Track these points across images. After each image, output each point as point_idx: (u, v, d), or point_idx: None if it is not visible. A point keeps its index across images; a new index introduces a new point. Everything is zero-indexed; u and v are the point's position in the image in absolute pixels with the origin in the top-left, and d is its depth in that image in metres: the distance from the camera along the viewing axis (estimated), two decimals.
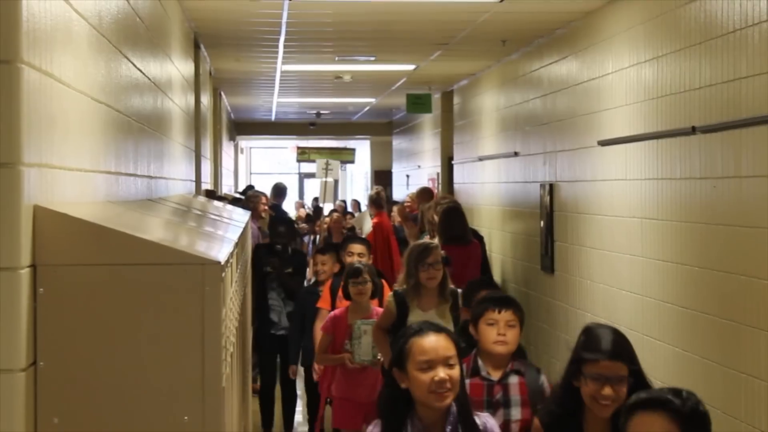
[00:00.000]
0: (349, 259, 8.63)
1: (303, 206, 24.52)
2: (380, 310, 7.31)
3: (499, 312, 5.18)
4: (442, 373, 3.83)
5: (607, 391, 4.07)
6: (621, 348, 4.17)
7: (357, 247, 8.90)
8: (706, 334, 6.45)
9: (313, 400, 9.02)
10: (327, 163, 15.88)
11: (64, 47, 3.24)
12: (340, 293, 7.95)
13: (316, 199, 23.08)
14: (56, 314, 2.83)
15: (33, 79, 2.79)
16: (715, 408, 5.86)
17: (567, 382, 4.23)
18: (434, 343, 3.88)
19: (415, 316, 6.52)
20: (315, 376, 8.17)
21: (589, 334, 4.24)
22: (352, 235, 11.12)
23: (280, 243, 10.04)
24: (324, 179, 15.87)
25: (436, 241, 10.95)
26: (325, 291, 8.55)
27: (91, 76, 3.79)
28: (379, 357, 7.12)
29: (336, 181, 19.85)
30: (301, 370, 9.46)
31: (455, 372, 3.87)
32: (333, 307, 8.18)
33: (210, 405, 2.92)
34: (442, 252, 6.81)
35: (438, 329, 3.97)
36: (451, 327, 6.42)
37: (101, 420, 2.86)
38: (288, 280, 9.89)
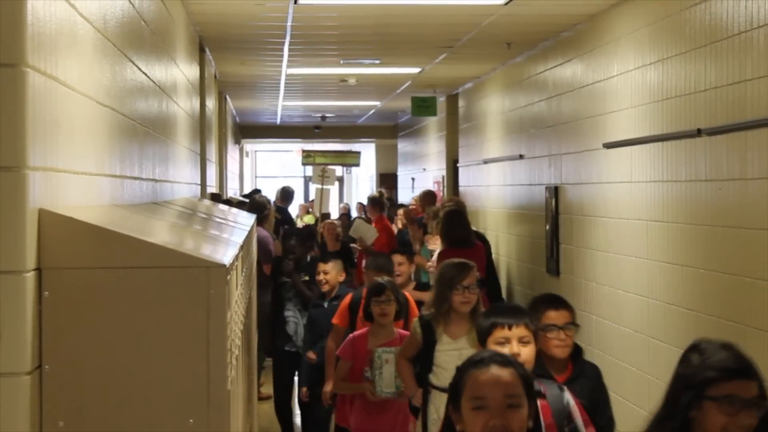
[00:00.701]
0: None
1: (309, 210, 24.46)
2: (405, 333, 6.63)
3: (510, 328, 4.58)
4: (498, 416, 3.06)
5: (744, 419, 3.18)
6: (749, 363, 3.32)
7: (399, 257, 8.26)
8: (711, 336, 6.43)
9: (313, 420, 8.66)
10: (323, 170, 14.91)
11: (69, 51, 3.24)
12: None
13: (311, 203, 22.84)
14: (61, 317, 2.83)
15: (38, 83, 2.79)
16: None
17: (682, 415, 3.27)
18: (494, 378, 3.12)
19: (444, 345, 6.00)
20: (324, 402, 7.53)
21: (703, 350, 3.40)
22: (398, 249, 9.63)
23: (291, 257, 9.64)
24: (320, 186, 14.93)
25: (435, 248, 10.95)
26: (342, 305, 7.70)
27: (96, 80, 3.79)
28: (403, 389, 6.48)
29: (334, 188, 19.05)
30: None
31: (518, 416, 3.08)
32: (352, 326, 7.44)
33: (215, 408, 2.92)
34: (477, 273, 6.15)
35: (504, 362, 3.21)
36: None
37: (106, 423, 2.86)
38: (304, 289, 9.33)
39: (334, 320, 7.64)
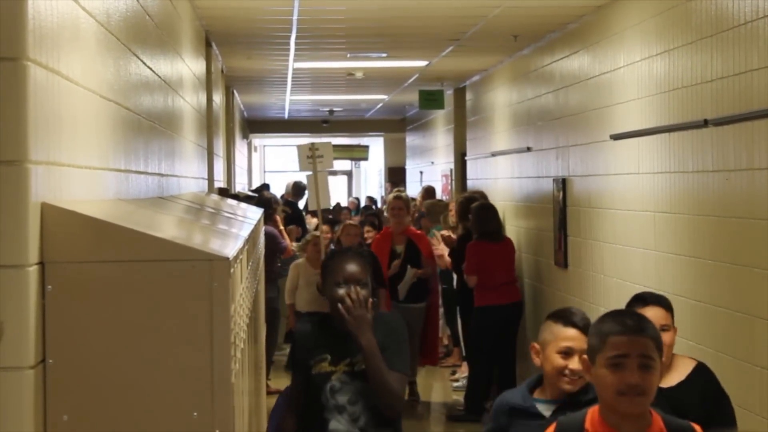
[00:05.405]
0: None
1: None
2: None
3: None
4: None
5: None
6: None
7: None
8: (719, 327, 6.43)
9: None
10: (313, 148, 10.42)
11: (71, 45, 3.24)
12: None
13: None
14: (64, 311, 2.83)
15: (39, 77, 2.79)
16: None
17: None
18: None
19: None
20: None
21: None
22: None
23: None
24: (313, 172, 10.52)
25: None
26: None
27: (100, 74, 3.79)
28: None
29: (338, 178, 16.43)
30: None
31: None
32: None
33: (219, 401, 2.92)
34: None
35: None
36: None
37: (110, 417, 2.87)
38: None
39: None
